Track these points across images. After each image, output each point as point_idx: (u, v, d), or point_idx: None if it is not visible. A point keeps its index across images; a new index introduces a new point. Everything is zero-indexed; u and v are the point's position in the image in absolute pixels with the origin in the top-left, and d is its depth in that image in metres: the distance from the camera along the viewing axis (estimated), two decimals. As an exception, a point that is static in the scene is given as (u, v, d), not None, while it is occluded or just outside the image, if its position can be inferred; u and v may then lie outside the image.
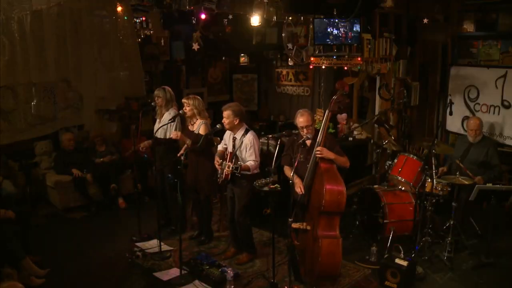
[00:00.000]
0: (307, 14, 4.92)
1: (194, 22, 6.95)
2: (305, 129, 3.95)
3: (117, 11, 3.49)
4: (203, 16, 5.96)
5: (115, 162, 6.42)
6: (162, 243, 4.84)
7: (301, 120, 3.97)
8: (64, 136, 6.32)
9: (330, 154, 3.82)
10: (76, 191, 6.10)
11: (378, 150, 5.72)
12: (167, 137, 5.05)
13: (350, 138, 6.03)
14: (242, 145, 4.31)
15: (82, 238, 5.31)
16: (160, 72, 7.38)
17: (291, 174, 3.86)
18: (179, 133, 4.78)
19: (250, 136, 4.32)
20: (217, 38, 7.95)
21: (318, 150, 3.79)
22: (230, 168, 4.16)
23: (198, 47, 5.41)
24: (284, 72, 8.22)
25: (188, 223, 5.51)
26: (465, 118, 6.12)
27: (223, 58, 8.38)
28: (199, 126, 4.75)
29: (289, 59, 6.48)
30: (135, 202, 5.31)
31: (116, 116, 7.07)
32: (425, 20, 5.52)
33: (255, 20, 5.42)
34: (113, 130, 7.07)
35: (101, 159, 6.35)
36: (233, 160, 4.24)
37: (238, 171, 4.14)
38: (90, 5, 3.28)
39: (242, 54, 8.42)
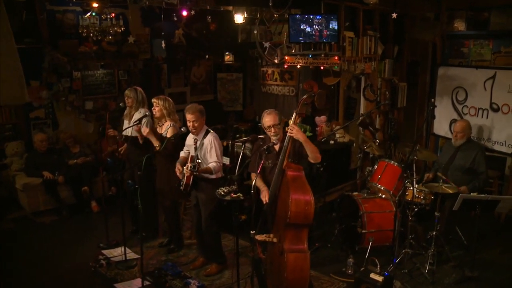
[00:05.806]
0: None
1: (175, 19, 6.67)
2: (272, 128, 3.65)
3: None
4: (184, 13, 5.70)
5: (89, 163, 6.18)
6: (129, 251, 4.60)
7: (267, 119, 3.67)
8: (36, 137, 6.09)
9: (301, 135, 3.46)
10: (47, 194, 5.85)
11: (359, 155, 5.43)
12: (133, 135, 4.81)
13: (332, 142, 5.74)
14: (203, 147, 4.07)
15: (49, 244, 5.07)
16: (139, 71, 7.11)
17: (255, 181, 3.60)
18: (146, 130, 4.47)
19: (210, 137, 4.08)
20: (201, 36, 7.68)
21: (289, 128, 3.44)
22: (189, 169, 3.90)
23: (165, 45, 5.14)
24: (270, 71, 7.93)
25: (160, 229, 5.27)
26: (453, 121, 5.85)
27: (207, 56, 8.09)
28: (167, 129, 4.50)
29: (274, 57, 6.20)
30: (103, 206, 5.07)
31: (93, 116, 6.85)
32: (394, 15, 5.13)
33: (239, 17, 5.18)
34: (89, 131, 6.85)
35: (74, 161, 6.12)
36: (194, 163, 3.98)
37: (196, 169, 3.89)
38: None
39: (227, 52, 8.12)
